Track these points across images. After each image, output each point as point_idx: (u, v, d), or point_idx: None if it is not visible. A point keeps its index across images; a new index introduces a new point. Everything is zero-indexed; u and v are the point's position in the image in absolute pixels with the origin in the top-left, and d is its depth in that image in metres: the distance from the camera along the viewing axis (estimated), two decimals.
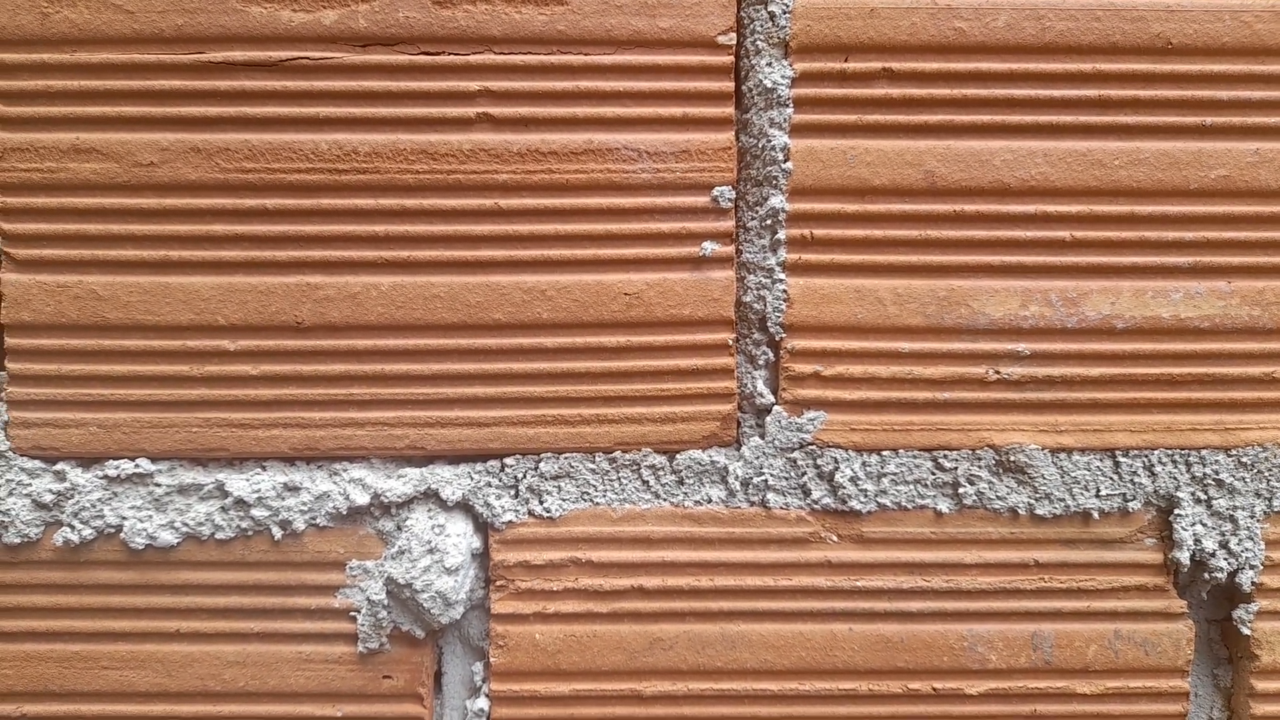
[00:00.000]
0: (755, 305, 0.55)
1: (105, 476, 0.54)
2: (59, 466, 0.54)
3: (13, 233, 0.52)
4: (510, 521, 0.55)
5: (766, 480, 0.55)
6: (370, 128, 0.52)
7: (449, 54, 0.52)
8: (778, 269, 0.54)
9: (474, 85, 0.52)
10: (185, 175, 0.52)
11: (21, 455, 0.54)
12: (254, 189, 0.52)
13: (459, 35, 0.51)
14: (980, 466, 0.55)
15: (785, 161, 0.53)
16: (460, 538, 0.54)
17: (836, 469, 0.55)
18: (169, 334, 0.53)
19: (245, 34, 0.51)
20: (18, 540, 0.54)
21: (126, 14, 0.51)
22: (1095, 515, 0.56)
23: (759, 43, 0.53)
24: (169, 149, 0.52)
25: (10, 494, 0.53)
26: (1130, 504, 0.56)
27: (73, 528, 0.54)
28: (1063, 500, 0.55)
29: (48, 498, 0.53)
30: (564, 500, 0.55)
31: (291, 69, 0.51)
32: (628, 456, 0.55)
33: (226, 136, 0.52)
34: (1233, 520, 0.56)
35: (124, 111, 0.51)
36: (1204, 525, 0.56)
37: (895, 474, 0.55)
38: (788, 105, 0.53)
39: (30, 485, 0.53)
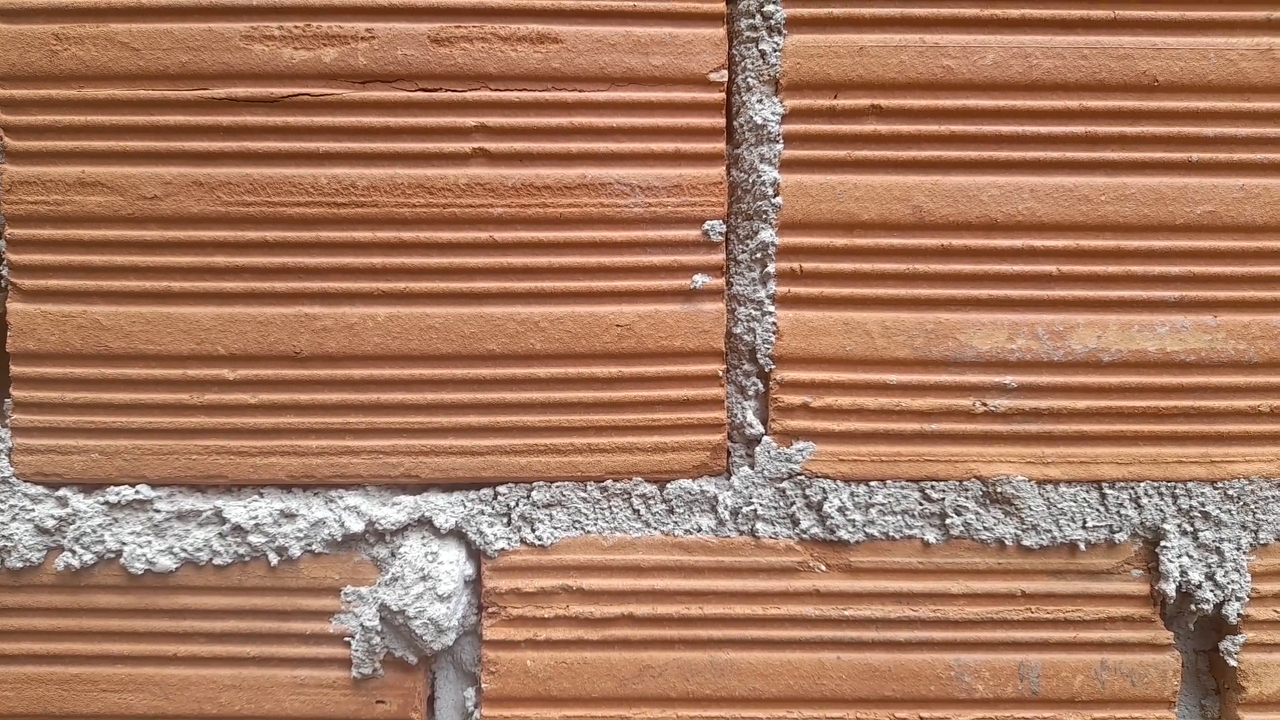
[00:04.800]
0: (745, 337, 0.55)
1: (106, 502, 0.55)
2: (61, 492, 0.55)
3: (19, 263, 0.53)
4: (503, 549, 0.56)
5: (756, 510, 0.56)
6: (369, 162, 0.53)
7: (446, 91, 0.53)
8: (767, 301, 0.55)
9: (470, 121, 0.53)
10: (187, 208, 0.53)
11: (25, 481, 0.55)
12: (254, 222, 0.53)
13: (456, 73, 0.53)
14: (967, 497, 0.56)
15: (775, 196, 0.54)
16: (453, 565, 0.55)
17: (825, 499, 0.56)
18: (170, 363, 0.54)
19: (248, 71, 0.52)
20: (20, 565, 0.55)
21: (133, 51, 0.52)
22: (1082, 546, 0.56)
23: (750, 80, 0.54)
24: (172, 183, 0.53)
25: (14, 519, 0.54)
26: (1117, 535, 0.56)
27: (74, 552, 0.55)
28: (1049, 531, 0.56)
29: (50, 523, 0.54)
30: (556, 528, 0.56)
31: (292, 105, 0.53)
32: (619, 485, 0.56)
33: (228, 171, 0.53)
34: (1219, 552, 0.56)
35: (129, 146, 0.53)
36: (1190, 557, 0.56)
37: (883, 504, 0.56)
38: (778, 141, 0.54)
39: (33, 510, 0.55)
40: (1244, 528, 0.56)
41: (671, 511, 0.56)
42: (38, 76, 0.52)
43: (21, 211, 0.53)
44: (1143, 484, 0.56)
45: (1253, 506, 0.56)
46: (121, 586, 0.55)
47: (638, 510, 0.56)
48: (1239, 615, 0.56)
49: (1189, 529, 0.56)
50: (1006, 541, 0.56)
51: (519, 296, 0.54)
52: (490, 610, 0.56)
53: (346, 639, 0.56)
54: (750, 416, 0.56)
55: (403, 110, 0.53)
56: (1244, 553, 0.56)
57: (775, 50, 0.53)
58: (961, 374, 0.55)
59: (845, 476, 0.56)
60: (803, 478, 0.56)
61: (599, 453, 0.55)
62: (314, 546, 0.55)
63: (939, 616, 0.56)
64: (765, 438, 0.56)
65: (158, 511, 0.55)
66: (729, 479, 0.56)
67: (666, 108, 0.53)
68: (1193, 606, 0.57)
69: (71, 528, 0.55)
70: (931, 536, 0.56)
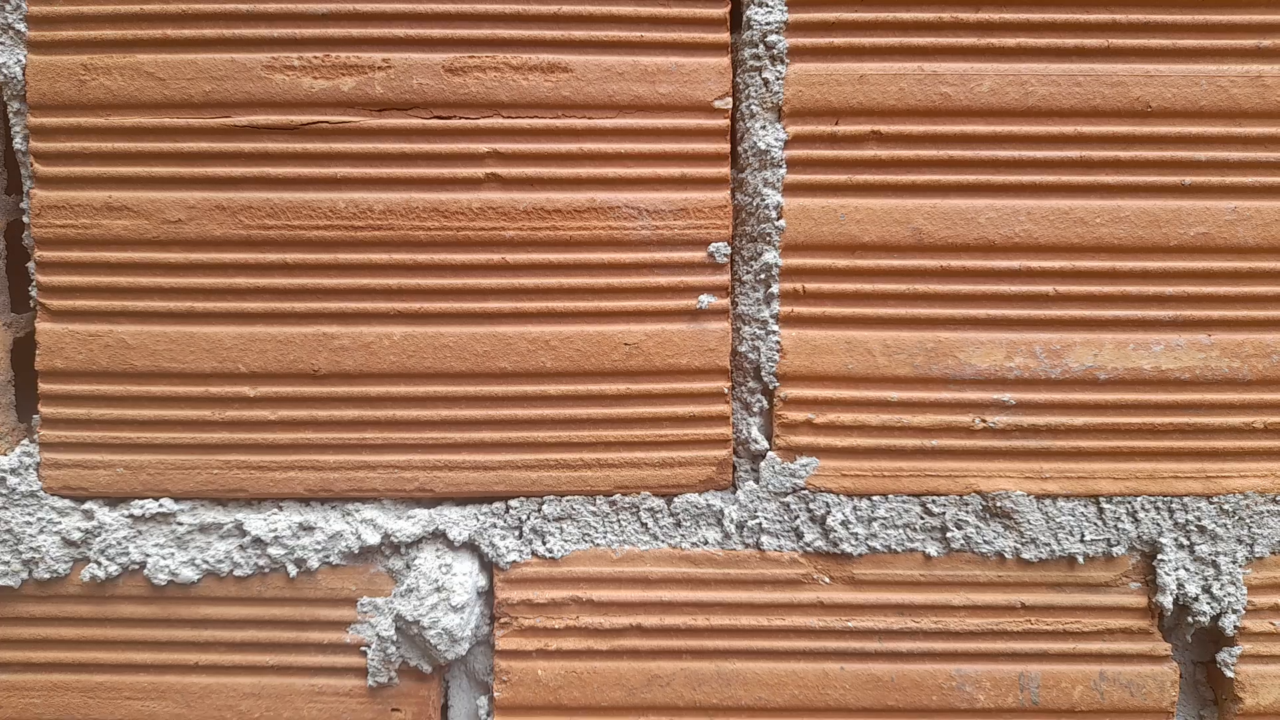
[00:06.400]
0: (750, 355, 0.57)
1: (131, 515, 0.57)
2: (87, 506, 0.57)
3: (48, 285, 0.55)
4: (514, 561, 0.57)
5: (760, 523, 0.57)
6: (385, 187, 0.55)
7: (460, 118, 0.55)
8: (771, 321, 0.56)
9: (483, 147, 0.55)
10: (210, 231, 0.55)
11: (52, 495, 0.57)
12: (275, 245, 0.55)
13: (469, 100, 0.54)
14: (968, 511, 0.57)
15: (778, 219, 0.55)
16: (466, 576, 0.56)
17: (828, 513, 0.57)
18: (193, 380, 0.56)
19: (269, 99, 0.54)
20: (47, 576, 0.56)
21: (158, 81, 0.54)
22: (1080, 559, 0.57)
23: (754, 107, 0.55)
24: (195, 207, 0.55)
25: (41, 532, 0.56)
26: (1114, 549, 0.57)
27: (99, 564, 0.56)
28: (1048, 545, 0.57)
29: (76, 535, 0.56)
30: (566, 541, 0.58)
31: (312, 132, 0.54)
32: (627, 499, 0.57)
33: (250, 195, 0.55)
34: (1215, 565, 0.57)
35: (154, 171, 0.55)
36: (1187, 570, 0.57)
37: (885, 518, 0.57)
38: (781, 166, 0.55)
39: (60, 523, 0.56)
40: (1240, 541, 0.57)
41: (679, 525, 0.58)
42: (67, 105, 0.54)
43: (50, 235, 0.55)
44: (1140, 498, 0.57)
45: (1248, 521, 0.57)
46: (145, 597, 0.57)
47: (646, 523, 0.58)
48: (1235, 627, 0.57)
49: (1186, 543, 0.57)
50: (1006, 555, 0.57)
51: (530, 316, 0.56)
52: (502, 621, 0.58)
53: (362, 648, 0.57)
54: (755, 433, 0.57)
55: (418, 137, 0.55)
56: (1240, 566, 0.57)
57: (778, 78, 0.55)
58: (961, 391, 0.57)
59: (848, 491, 0.57)
60: (806, 492, 0.57)
61: (608, 467, 0.57)
62: (331, 558, 0.57)
63: (940, 628, 0.58)
64: (770, 453, 0.57)
65: (180, 524, 0.57)
66: (734, 493, 0.58)
67: (673, 134, 0.55)
68: (1190, 619, 0.58)
69: (97, 540, 0.56)
70: (933, 550, 0.57)
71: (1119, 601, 0.58)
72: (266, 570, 0.57)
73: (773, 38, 0.54)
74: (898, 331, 0.56)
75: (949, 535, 0.57)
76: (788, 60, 0.54)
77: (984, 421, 0.57)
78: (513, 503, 0.58)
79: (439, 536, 0.57)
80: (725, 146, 0.55)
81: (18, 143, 0.55)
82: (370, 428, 0.56)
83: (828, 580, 0.58)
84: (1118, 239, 0.56)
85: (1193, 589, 0.57)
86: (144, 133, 0.55)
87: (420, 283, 0.55)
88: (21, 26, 0.54)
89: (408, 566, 0.57)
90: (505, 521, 0.58)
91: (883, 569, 0.58)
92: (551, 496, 0.57)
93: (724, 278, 0.56)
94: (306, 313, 0.56)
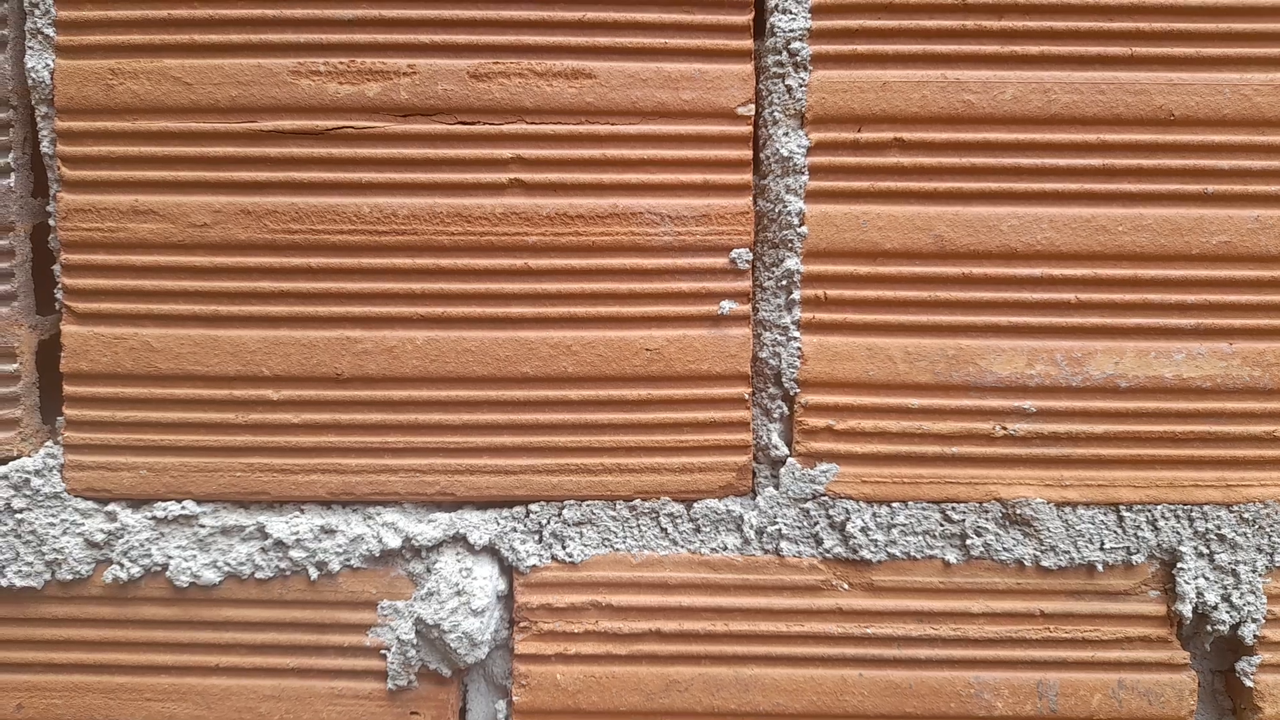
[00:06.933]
0: (771, 361, 0.57)
1: (153, 517, 0.57)
2: (110, 507, 0.57)
3: (73, 288, 0.56)
4: (534, 565, 0.58)
5: (780, 529, 0.57)
6: (409, 192, 0.55)
7: (484, 124, 0.55)
8: (792, 327, 0.56)
9: (507, 153, 0.55)
10: (235, 235, 0.55)
11: (75, 496, 0.57)
12: (299, 249, 0.55)
13: (493, 106, 0.55)
14: (987, 519, 0.57)
15: (800, 225, 0.56)
16: (486, 580, 0.57)
17: (848, 519, 0.57)
18: (217, 384, 0.56)
19: (294, 105, 0.55)
20: (70, 577, 0.57)
21: (185, 85, 0.55)
22: (1100, 568, 0.57)
23: (776, 114, 0.55)
24: (221, 211, 0.55)
25: (64, 533, 0.57)
26: (1134, 557, 0.57)
27: (122, 566, 0.57)
28: (1068, 553, 0.57)
29: (99, 537, 0.56)
30: (586, 546, 0.58)
31: (337, 137, 0.55)
32: (647, 505, 0.58)
33: (275, 200, 0.55)
34: (1235, 574, 0.57)
35: (180, 176, 0.55)
36: (1206, 579, 0.57)
37: (905, 525, 0.57)
38: (803, 172, 0.55)
39: (83, 525, 0.57)
40: (1259, 550, 0.57)
41: (698, 530, 0.58)
42: (94, 109, 0.55)
43: (76, 238, 0.55)
44: (1160, 507, 0.57)
45: (1268, 530, 0.57)
46: (167, 599, 0.57)
47: (665, 529, 0.58)
48: (1255, 636, 0.57)
49: (1205, 551, 0.57)
50: (1025, 562, 0.57)
51: (552, 321, 0.56)
52: (522, 625, 0.58)
53: (383, 652, 0.57)
54: (775, 439, 0.57)
55: (442, 142, 0.55)
56: (1260, 575, 0.57)
57: (801, 85, 0.55)
58: (982, 399, 0.57)
59: (868, 497, 0.57)
60: (826, 498, 0.57)
61: (628, 473, 0.57)
62: (352, 561, 0.57)
63: (959, 635, 0.58)
64: (790, 459, 0.57)
65: (203, 526, 0.57)
66: (754, 499, 0.58)
67: (695, 140, 0.55)
68: (1209, 627, 0.58)
69: (120, 541, 0.57)
70: (952, 557, 0.57)
71: (1138, 610, 0.58)
72: (288, 573, 0.57)
73: (796, 45, 0.54)
74: (919, 338, 0.56)
75: (968, 542, 0.57)
76: (811, 67, 0.55)
77: (1004, 429, 0.57)
78: (533, 507, 0.58)
79: (459, 540, 0.58)
80: (748, 153, 0.56)
81: (45, 146, 0.56)
82: (392, 431, 0.57)
83: (847, 587, 0.58)
84: (1140, 247, 0.56)
85: (1212, 597, 0.57)
86: (170, 137, 0.55)
87: (443, 287, 0.56)
88: (50, 31, 0.54)
89: (428, 570, 0.57)
90: (525, 526, 0.58)
91: (902, 576, 0.58)
92: (572, 501, 0.58)
93: (745, 284, 0.56)
94: (330, 317, 0.56)
